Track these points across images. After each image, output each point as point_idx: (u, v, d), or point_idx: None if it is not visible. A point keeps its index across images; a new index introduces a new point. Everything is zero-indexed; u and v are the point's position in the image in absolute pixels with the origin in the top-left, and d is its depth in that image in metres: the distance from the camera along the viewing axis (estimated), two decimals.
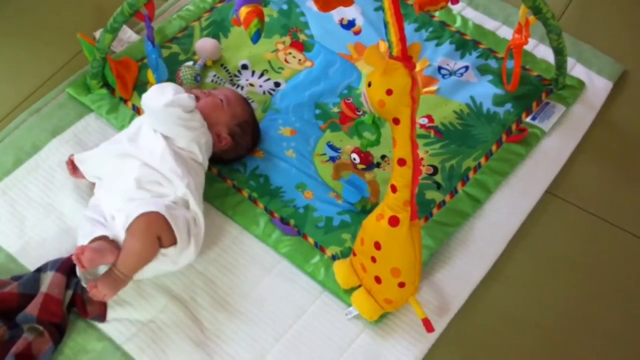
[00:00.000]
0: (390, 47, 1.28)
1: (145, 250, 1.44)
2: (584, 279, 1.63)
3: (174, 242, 1.46)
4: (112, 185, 1.54)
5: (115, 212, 1.50)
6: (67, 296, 1.46)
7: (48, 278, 1.46)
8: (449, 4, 1.58)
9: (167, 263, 1.50)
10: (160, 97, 1.55)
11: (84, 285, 1.45)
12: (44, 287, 1.44)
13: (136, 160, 1.54)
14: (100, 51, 1.71)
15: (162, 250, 1.47)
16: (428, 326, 1.43)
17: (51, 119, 1.79)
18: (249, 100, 1.80)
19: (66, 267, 1.48)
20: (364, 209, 1.65)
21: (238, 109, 1.70)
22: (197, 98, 1.65)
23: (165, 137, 1.56)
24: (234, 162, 1.73)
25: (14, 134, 1.76)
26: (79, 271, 1.45)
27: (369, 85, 1.29)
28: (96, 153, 1.61)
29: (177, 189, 1.51)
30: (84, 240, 1.45)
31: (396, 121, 1.29)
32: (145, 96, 1.58)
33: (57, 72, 1.93)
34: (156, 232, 1.44)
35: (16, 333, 1.42)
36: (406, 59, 1.27)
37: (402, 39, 1.27)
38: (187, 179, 1.52)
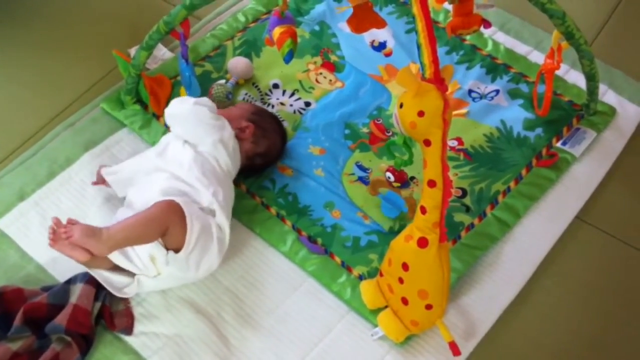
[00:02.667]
0: (422, 69, 1.29)
1: (144, 225, 1.41)
2: (612, 306, 1.61)
3: (181, 242, 1.44)
4: (139, 198, 1.54)
5: None
6: (95, 308, 1.47)
7: (77, 289, 1.47)
8: (481, 28, 1.59)
9: (188, 270, 1.48)
10: (184, 101, 1.63)
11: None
12: (73, 298, 1.46)
13: (163, 173, 1.56)
14: (135, 68, 1.74)
15: (173, 255, 1.44)
16: (455, 350, 1.42)
17: (85, 133, 1.82)
18: (280, 119, 1.82)
19: (96, 280, 1.49)
20: (392, 230, 1.65)
21: (246, 105, 1.77)
22: None
23: (194, 147, 1.59)
24: (269, 165, 1.74)
25: (48, 147, 1.79)
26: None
27: (401, 106, 1.30)
28: (124, 168, 1.63)
29: (203, 198, 1.52)
30: None
31: (427, 143, 1.29)
32: (170, 106, 1.64)
33: (91, 87, 1.97)
34: (167, 219, 1.42)
35: (44, 343, 1.44)
36: (439, 81, 1.28)
37: (435, 61, 1.27)
38: (214, 187, 1.54)
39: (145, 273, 1.46)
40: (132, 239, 1.42)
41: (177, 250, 1.45)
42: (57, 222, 1.39)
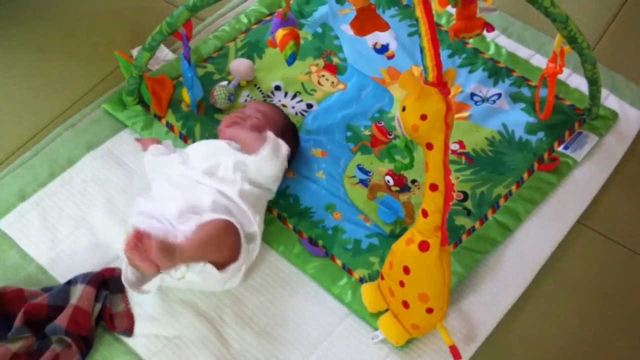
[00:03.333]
0: (425, 72, 1.29)
1: (210, 248, 1.43)
2: (612, 310, 1.61)
3: (220, 259, 1.46)
4: (181, 199, 1.53)
5: (181, 219, 1.48)
6: (95, 309, 1.47)
7: (78, 291, 1.47)
8: (484, 32, 1.59)
9: (215, 285, 1.50)
10: (278, 152, 1.62)
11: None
12: (73, 300, 1.46)
13: (213, 189, 1.55)
14: (137, 69, 1.74)
15: (211, 269, 1.43)
16: (455, 354, 1.42)
17: (86, 134, 1.82)
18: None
19: (96, 281, 1.49)
20: (392, 233, 1.65)
21: (276, 117, 1.75)
22: (236, 123, 1.68)
23: (245, 173, 1.58)
24: None
25: (49, 147, 1.79)
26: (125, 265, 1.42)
27: (403, 109, 1.30)
28: (167, 163, 1.63)
29: (249, 225, 1.53)
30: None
31: (429, 146, 1.29)
32: (268, 153, 1.60)
33: (93, 88, 1.97)
34: (225, 242, 1.45)
35: (44, 344, 1.44)
36: (441, 84, 1.27)
37: (438, 64, 1.27)
38: (260, 216, 1.56)
39: (171, 274, 1.44)
40: (196, 259, 1.42)
41: (213, 264, 1.44)
42: (137, 233, 1.35)
